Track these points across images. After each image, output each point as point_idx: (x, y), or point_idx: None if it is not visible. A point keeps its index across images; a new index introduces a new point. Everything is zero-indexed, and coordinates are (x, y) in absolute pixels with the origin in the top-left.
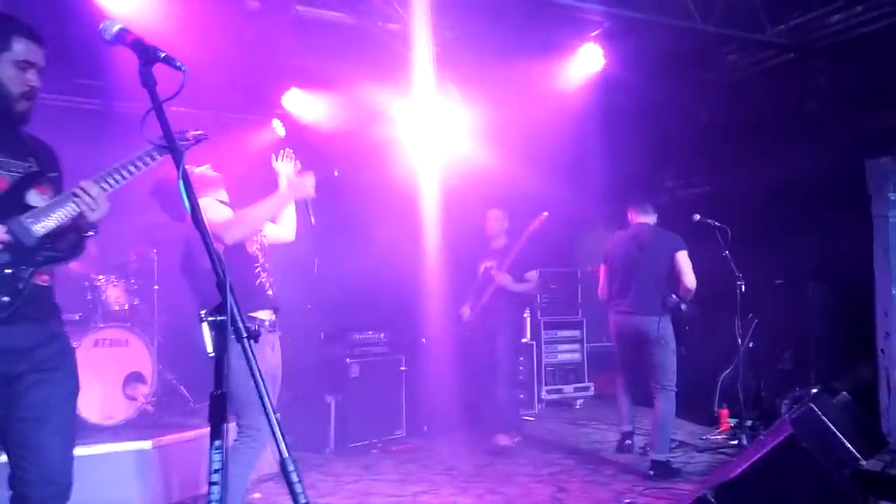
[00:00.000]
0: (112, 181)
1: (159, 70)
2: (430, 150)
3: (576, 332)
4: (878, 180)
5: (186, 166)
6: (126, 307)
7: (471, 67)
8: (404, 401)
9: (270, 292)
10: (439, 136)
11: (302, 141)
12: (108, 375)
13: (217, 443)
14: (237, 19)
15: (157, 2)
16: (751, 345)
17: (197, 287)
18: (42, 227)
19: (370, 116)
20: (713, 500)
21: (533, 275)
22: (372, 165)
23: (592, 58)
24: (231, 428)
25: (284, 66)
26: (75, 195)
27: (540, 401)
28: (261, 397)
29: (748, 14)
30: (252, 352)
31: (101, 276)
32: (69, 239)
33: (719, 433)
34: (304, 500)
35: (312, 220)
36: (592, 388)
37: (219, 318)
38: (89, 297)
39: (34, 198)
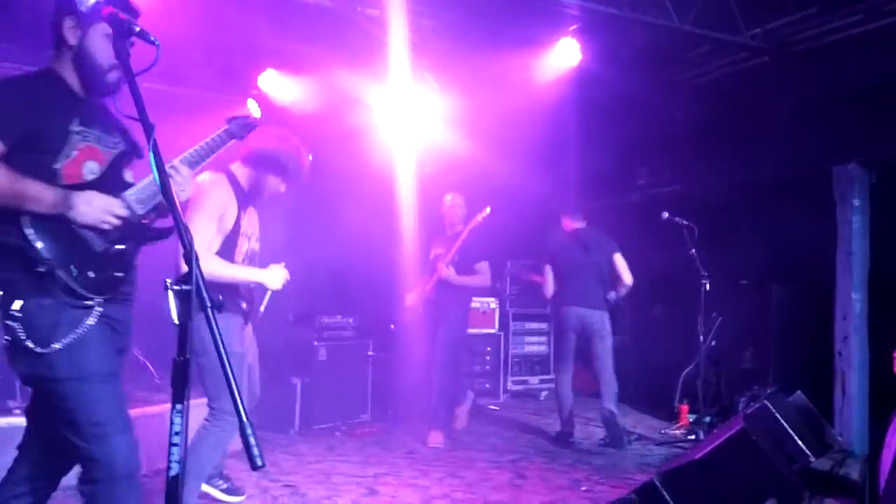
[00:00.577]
0: (196, 161)
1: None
2: (404, 137)
3: (543, 325)
4: (844, 186)
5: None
6: None
7: (448, 56)
8: (370, 385)
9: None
10: (414, 123)
11: (277, 123)
12: None
13: (178, 406)
14: None
15: None
16: (713, 343)
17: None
18: (142, 205)
19: (346, 101)
20: (659, 485)
21: (483, 266)
22: (346, 150)
23: (569, 52)
24: (200, 405)
25: (261, 46)
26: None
27: (505, 391)
28: (223, 366)
29: (724, 15)
30: (216, 322)
31: None
32: (154, 219)
33: (678, 428)
34: (259, 463)
35: (262, 308)
36: None
37: (184, 288)
38: None
39: (129, 175)
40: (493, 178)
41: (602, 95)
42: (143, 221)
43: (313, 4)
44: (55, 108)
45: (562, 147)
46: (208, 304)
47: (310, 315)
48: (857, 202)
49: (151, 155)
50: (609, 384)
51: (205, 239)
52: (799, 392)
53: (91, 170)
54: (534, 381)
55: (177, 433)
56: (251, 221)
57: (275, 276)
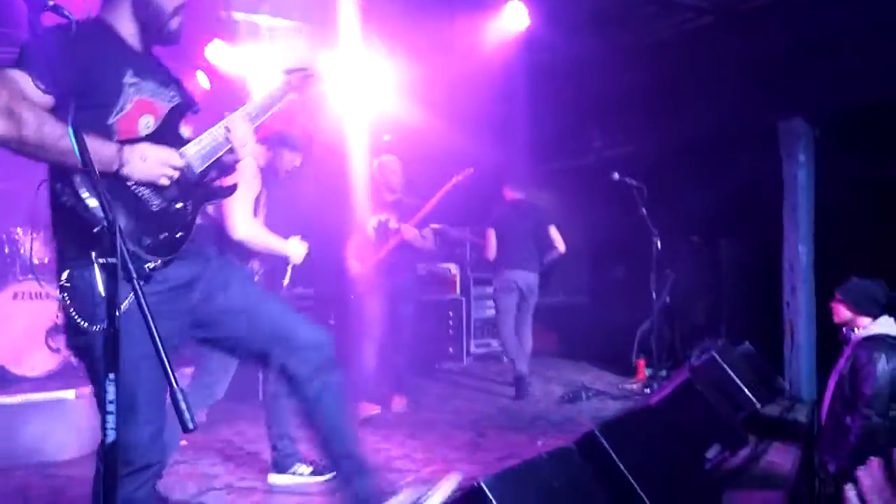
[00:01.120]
0: (255, 115)
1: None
2: (356, 105)
3: None
4: (789, 142)
5: None
6: (46, 260)
7: (396, 21)
8: None
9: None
10: (365, 90)
11: (227, 94)
12: (30, 328)
13: (111, 376)
14: None
15: None
16: (667, 299)
17: None
18: (201, 162)
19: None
20: (599, 435)
21: (428, 232)
22: (298, 118)
23: (517, 16)
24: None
25: (207, 16)
26: (228, 129)
27: (468, 354)
28: (153, 341)
29: None
30: (143, 295)
31: (18, 229)
32: (214, 176)
33: (635, 382)
34: (191, 427)
35: (285, 281)
36: None
37: (109, 261)
38: (6, 251)
39: (185, 130)
40: (447, 144)
41: (551, 59)
42: (204, 181)
43: None
44: (107, 59)
45: (514, 112)
46: (133, 276)
47: (271, 287)
48: (802, 157)
49: (70, 130)
50: (529, 342)
51: (248, 206)
52: (747, 343)
53: (147, 124)
54: (496, 343)
55: (111, 402)
56: (263, 201)
57: (299, 249)
